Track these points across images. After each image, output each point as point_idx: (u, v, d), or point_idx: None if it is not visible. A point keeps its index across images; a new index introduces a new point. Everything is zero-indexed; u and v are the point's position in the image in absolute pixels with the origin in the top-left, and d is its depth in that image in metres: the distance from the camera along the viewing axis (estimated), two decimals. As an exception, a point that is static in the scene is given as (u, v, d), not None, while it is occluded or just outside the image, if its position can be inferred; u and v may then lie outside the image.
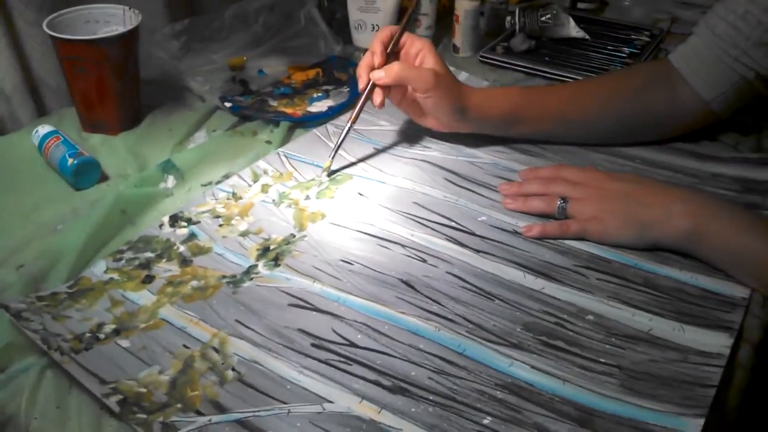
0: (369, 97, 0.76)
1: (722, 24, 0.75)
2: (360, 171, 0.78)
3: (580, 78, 0.98)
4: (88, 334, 0.56)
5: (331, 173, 0.77)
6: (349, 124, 0.77)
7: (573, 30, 1.10)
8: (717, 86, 0.77)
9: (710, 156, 0.82)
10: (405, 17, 0.80)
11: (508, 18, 1.12)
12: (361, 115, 0.79)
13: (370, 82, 0.75)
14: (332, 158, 0.77)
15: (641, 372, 0.55)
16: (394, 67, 0.74)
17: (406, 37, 0.78)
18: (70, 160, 0.74)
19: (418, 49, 0.77)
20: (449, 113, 0.77)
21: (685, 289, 0.63)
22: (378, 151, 0.81)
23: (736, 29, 0.74)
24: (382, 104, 0.76)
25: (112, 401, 0.51)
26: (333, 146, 0.77)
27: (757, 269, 0.62)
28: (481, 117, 0.78)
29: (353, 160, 0.80)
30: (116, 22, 0.86)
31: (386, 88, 0.76)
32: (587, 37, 1.10)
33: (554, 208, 0.70)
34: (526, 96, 0.81)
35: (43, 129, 0.80)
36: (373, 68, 0.76)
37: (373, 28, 1.03)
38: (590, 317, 0.60)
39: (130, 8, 0.86)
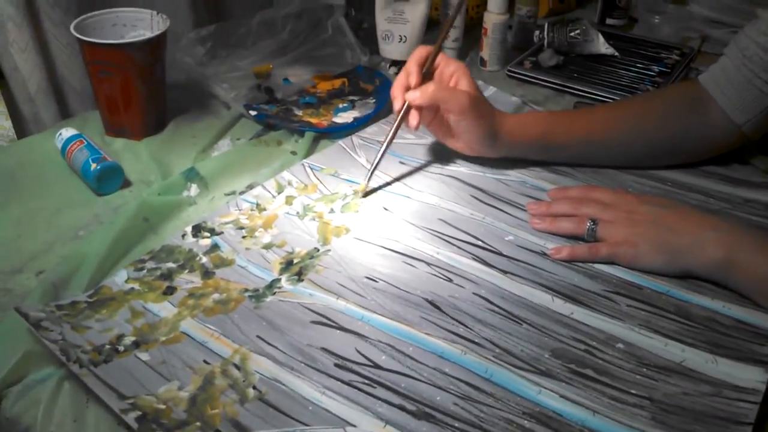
0: (404, 118, 0.74)
1: (753, 46, 0.74)
2: (385, 185, 0.77)
3: (608, 95, 0.96)
4: (107, 346, 0.55)
5: (366, 195, 0.75)
6: (384, 146, 0.75)
7: (602, 46, 1.08)
8: (749, 109, 0.76)
9: (742, 180, 0.80)
10: (441, 38, 0.78)
11: (537, 32, 1.11)
12: (385, 126, 0.79)
13: (406, 103, 0.74)
14: (368, 180, 0.75)
15: (673, 405, 0.53)
16: (430, 88, 0.73)
17: (441, 58, 0.77)
18: (93, 165, 0.73)
19: (452, 70, 0.76)
20: (481, 137, 0.76)
21: (718, 319, 0.61)
22: (404, 165, 0.80)
23: (767, 51, 0.73)
24: (418, 125, 0.74)
25: (131, 417, 0.49)
26: (368, 169, 0.75)
27: (792, 301, 0.60)
28: (511, 143, 0.77)
29: (378, 173, 0.78)
30: (143, 26, 0.86)
31: (420, 109, 0.74)
32: (616, 54, 1.08)
33: (584, 230, 0.68)
34: (556, 120, 0.80)
35: (67, 132, 0.79)
36: (408, 89, 0.74)
37: (401, 39, 1.02)
38: (620, 345, 0.58)
39: (157, 13, 0.85)
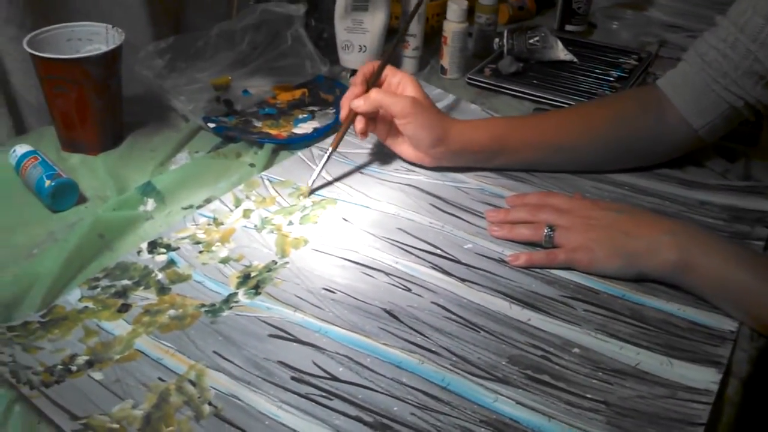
0: (350, 125, 0.78)
1: (712, 52, 0.75)
2: (344, 195, 0.77)
3: (567, 101, 0.97)
4: (59, 366, 0.54)
5: (311, 193, 0.77)
6: (329, 151, 0.77)
7: (561, 53, 1.09)
8: (706, 114, 0.77)
9: (698, 183, 0.81)
10: (387, 53, 0.82)
11: (496, 40, 1.12)
12: (347, 138, 0.79)
13: (352, 112, 0.77)
14: (312, 184, 0.76)
15: (628, 408, 0.53)
16: (372, 94, 0.76)
17: (387, 70, 0.80)
18: (48, 182, 0.72)
19: (398, 80, 0.79)
20: (429, 141, 0.77)
21: (673, 321, 0.62)
22: (363, 175, 0.80)
23: (726, 57, 0.74)
24: (363, 132, 0.77)
25: (83, 438, 0.49)
26: (316, 170, 0.77)
27: (745, 302, 0.61)
28: (462, 146, 0.78)
29: (338, 183, 0.79)
30: (99, 40, 0.85)
31: (369, 119, 0.77)
32: (575, 60, 1.09)
33: (541, 236, 0.69)
34: (510, 125, 0.80)
35: (21, 149, 0.78)
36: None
37: (360, 49, 1.03)
38: (576, 350, 0.58)
39: (113, 26, 0.84)
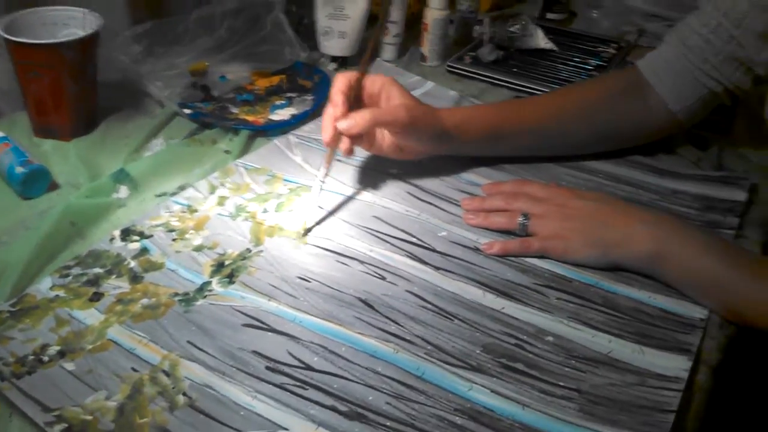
0: (335, 148, 0.71)
1: (694, 36, 0.76)
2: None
3: (546, 89, 0.97)
4: (31, 357, 0.54)
5: (307, 232, 0.70)
6: (320, 182, 0.71)
7: (541, 41, 1.09)
8: (684, 97, 0.78)
9: (671, 172, 0.82)
10: (364, 62, 0.72)
11: (476, 27, 1.11)
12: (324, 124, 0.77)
13: (337, 133, 0.70)
14: (308, 220, 0.70)
15: (600, 396, 0.54)
16: (364, 115, 0.69)
17: (365, 79, 0.72)
18: (19, 169, 0.71)
19: (379, 86, 0.72)
20: (430, 140, 0.74)
21: (644, 309, 0.62)
22: (339, 163, 0.80)
23: (708, 43, 0.75)
24: (350, 151, 0.71)
25: (56, 430, 0.48)
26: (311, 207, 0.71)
27: (717, 291, 0.62)
28: (461, 140, 0.76)
29: (312, 169, 0.78)
30: (76, 25, 0.83)
31: (354, 137, 0.71)
32: (555, 48, 1.10)
33: (516, 224, 0.69)
34: (504, 110, 0.80)
35: (-7, 135, 0.77)
36: (337, 119, 0.69)
37: (340, 35, 1.02)
38: (550, 338, 0.59)
39: (90, 11, 0.83)
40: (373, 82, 0.72)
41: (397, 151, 0.75)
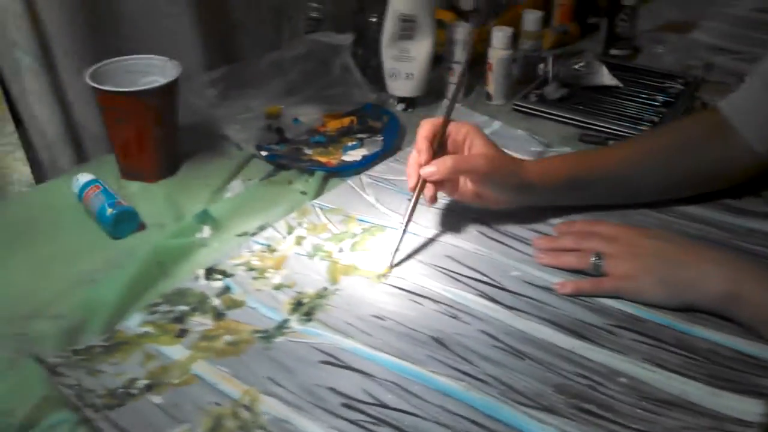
0: (420, 194, 0.72)
1: None
2: (392, 222, 0.78)
3: (612, 126, 0.98)
4: (121, 390, 0.57)
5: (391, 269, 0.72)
6: (404, 227, 0.72)
7: (606, 78, 1.10)
8: None
9: (746, 210, 0.81)
10: (449, 108, 0.75)
11: (541, 65, 1.13)
12: (393, 164, 0.79)
13: (420, 180, 0.72)
14: (392, 262, 0.72)
15: (675, 440, 0.54)
16: (447, 162, 0.71)
17: (450, 125, 0.74)
18: (110, 210, 0.76)
19: (463, 134, 0.74)
20: (510, 190, 0.74)
21: (719, 351, 0.62)
22: (410, 202, 0.81)
23: None
24: (433, 198, 0.72)
25: (144, 460, 0.51)
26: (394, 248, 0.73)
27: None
28: (541, 190, 0.75)
29: (385, 210, 0.80)
30: (156, 72, 0.88)
31: (437, 183, 0.72)
32: (620, 84, 1.10)
33: (588, 264, 0.69)
34: (583, 159, 0.80)
35: (84, 177, 0.82)
36: (421, 166, 0.72)
37: (407, 76, 1.05)
38: (623, 380, 0.59)
39: (169, 59, 0.88)
40: (458, 130, 0.74)
41: (477, 198, 0.76)
